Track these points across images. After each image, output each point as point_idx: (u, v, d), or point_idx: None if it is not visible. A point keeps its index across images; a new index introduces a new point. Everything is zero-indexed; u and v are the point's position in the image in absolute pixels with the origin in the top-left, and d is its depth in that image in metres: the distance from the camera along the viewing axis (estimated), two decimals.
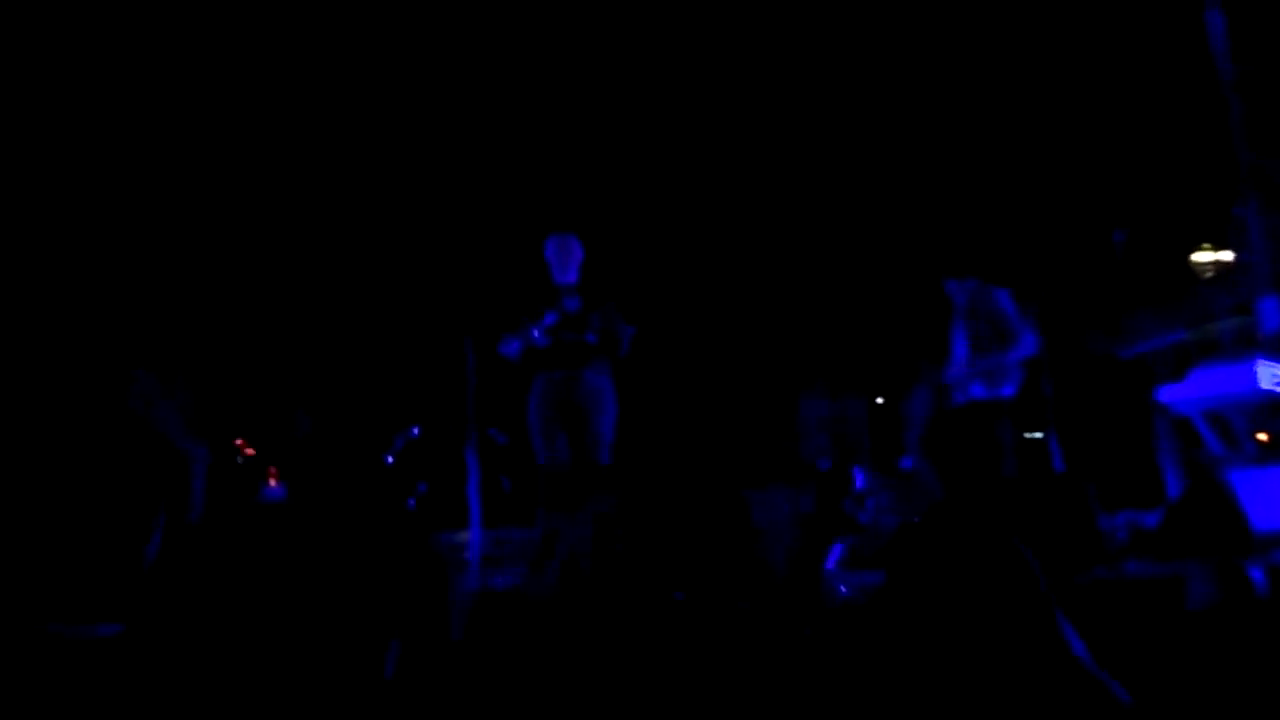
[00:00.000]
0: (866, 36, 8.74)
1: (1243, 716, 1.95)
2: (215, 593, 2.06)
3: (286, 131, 7.95)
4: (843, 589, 4.08)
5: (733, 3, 8.72)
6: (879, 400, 8.22)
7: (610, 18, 8.46)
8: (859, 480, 4.51)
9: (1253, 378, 5.34)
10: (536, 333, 4.86)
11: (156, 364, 4.00)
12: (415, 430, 7.04)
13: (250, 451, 6.97)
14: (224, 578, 2.13)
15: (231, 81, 7.71)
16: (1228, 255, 7.16)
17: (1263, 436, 5.74)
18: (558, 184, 8.29)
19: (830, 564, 4.40)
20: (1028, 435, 6.54)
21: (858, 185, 9.25)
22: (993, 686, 1.64)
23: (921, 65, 8.82)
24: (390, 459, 7.04)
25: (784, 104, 9.04)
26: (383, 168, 8.25)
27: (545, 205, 7.68)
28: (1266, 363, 5.46)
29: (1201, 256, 7.34)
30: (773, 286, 9.09)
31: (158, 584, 1.84)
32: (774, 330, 8.79)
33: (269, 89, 7.86)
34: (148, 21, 7.20)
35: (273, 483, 6.90)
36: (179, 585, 2.05)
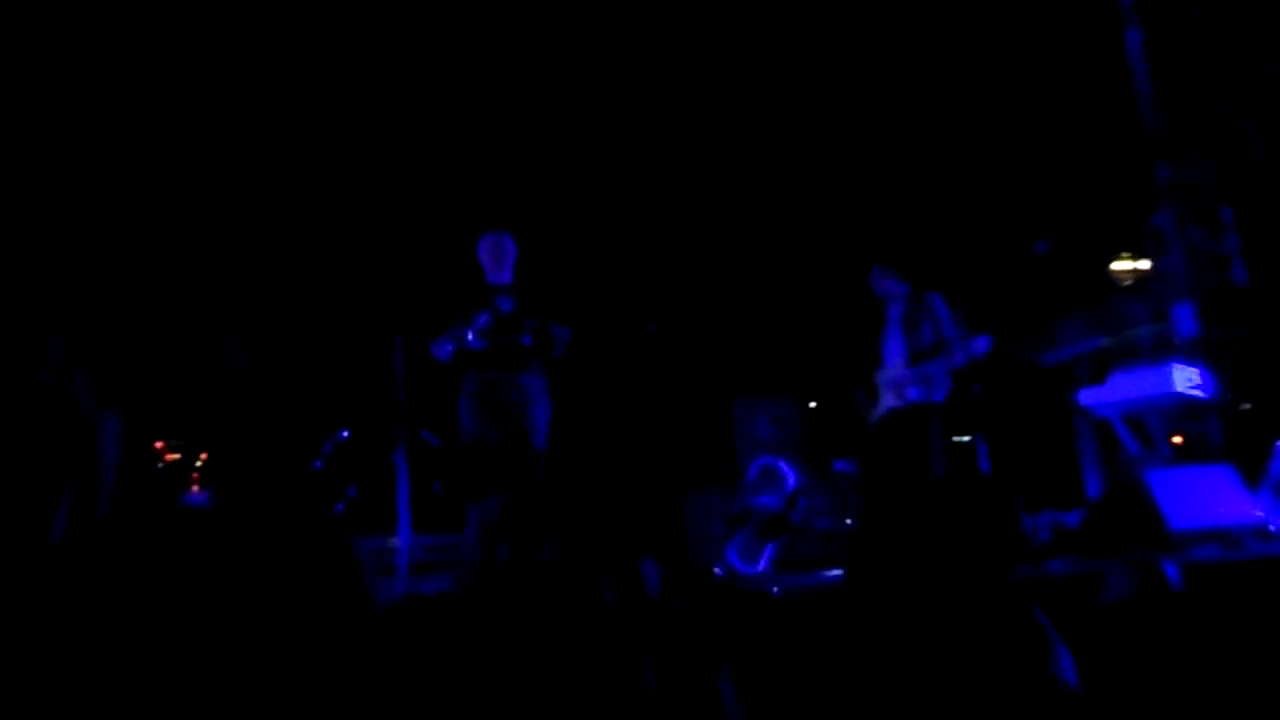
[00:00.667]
0: (790, 38, 8.85)
1: (1156, 703, 2.00)
2: (124, 595, 1.98)
3: (216, 118, 7.74)
4: (774, 590, 4.11)
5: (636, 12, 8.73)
6: (811, 404, 8.30)
7: (542, 12, 8.41)
8: (790, 480, 4.55)
9: (1168, 381, 5.51)
10: (470, 334, 4.77)
11: (71, 331, 3.84)
12: (344, 433, 6.91)
13: (171, 457, 6.75)
14: (135, 580, 2.05)
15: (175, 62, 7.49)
16: (1145, 264, 7.38)
17: (1178, 439, 5.94)
18: (489, 181, 8.21)
19: (762, 565, 4.42)
20: (956, 439, 6.67)
21: (786, 189, 9.34)
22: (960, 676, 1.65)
23: (844, 71, 8.95)
24: (319, 464, 6.90)
25: (708, 106, 9.09)
26: (312, 163, 8.08)
27: (476, 202, 7.59)
28: (1181, 367, 5.64)
29: (1120, 265, 7.55)
30: (705, 290, 9.13)
31: (66, 568, 1.76)
32: (707, 334, 8.83)
33: (201, 74, 7.66)
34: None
35: (195, 489, 6.70)
36: (87, 580, 1.97)
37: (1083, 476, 6.69)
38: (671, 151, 9.12)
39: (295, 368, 7.86)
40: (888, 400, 5.38)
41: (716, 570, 4.31)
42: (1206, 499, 4.11)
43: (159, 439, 6.60)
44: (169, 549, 2.24)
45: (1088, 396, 6.05)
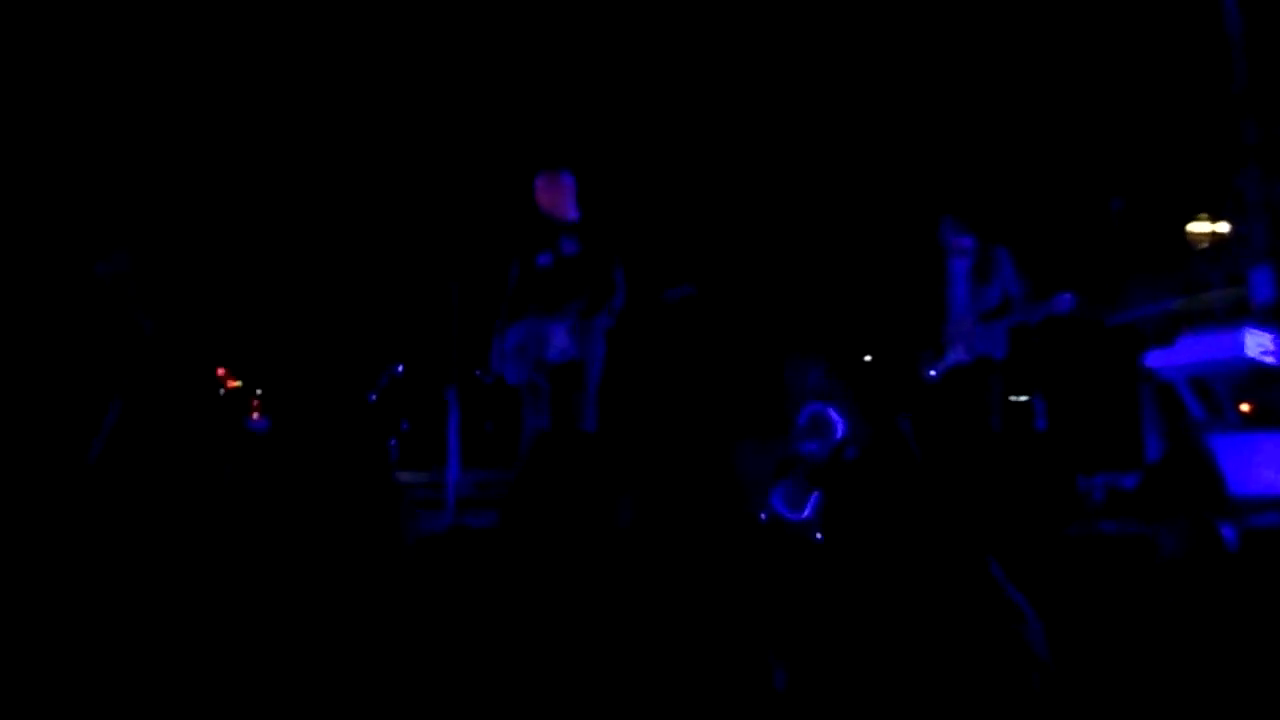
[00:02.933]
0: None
1: (1208, 663, 1.95)
2: (191, 519, 2.04)
3: (271, 76, 7.83)
4: (818, 536, 4.09)
5: None
6: (867, 358, 8.21)
7: None
8: (839, 429, 4.50)
9: (1240, 345, 5.33)
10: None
11: (138, 247, 3.90)
12: (399, 368, 7.00)
13: (232, 384, 6.92)
14: (201, 505, 2.11)
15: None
16: (1224, 226, 7.12)
17: (1245, 406, 5.75)
18: (544, 126, 8.16)
19: (807, 512, 4.40)
20: (1014, 397, 6.54)
21: (849, 149, 9.15)
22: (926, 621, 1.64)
23: (919, 30, 8.69)
24: (374, 396, 7.00)
25: (772, 58, 8.92)
26: (368, 110, 8.14)
27: (529, 152, 7.58)
28: (1255, 331, 5.44)
29: (1197, 226, 7.28)
30: (762, 246, 9.03)
31: (102, 488, 1.82)
32: (763, 289, 8.75)
33: (248, 31, 7.74)
34: None
35: (255, 415, 6.87)
36: (157, 499, 2.03)
37: (1143, 440, 6.53)
38: (730, 103, 8.98)
39: (355, 303, 7.98)
40: (954, 355, 5.28)
41: (761, 516, 4.30)
42: (1271, 467, 3.98)
43: (221, 365, 6.76)
44: (227, 469, 2.29)
45: (1154, 358, 5.87)
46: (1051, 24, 8.48)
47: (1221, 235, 7.44)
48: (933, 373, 5.48)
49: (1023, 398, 6.45)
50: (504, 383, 5.02)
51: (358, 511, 2.37)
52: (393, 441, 7.03)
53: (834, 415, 4.59)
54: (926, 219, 5.73)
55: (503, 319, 4.71)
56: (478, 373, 7.01)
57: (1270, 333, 5.62)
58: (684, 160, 8.87)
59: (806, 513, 4.50)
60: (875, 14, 8.68)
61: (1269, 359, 5.45)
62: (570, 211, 4.64)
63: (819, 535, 4.11)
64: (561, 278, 4.55)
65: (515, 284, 4.69)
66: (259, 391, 7.17)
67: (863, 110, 8.99)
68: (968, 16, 8.58)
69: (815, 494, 4.55)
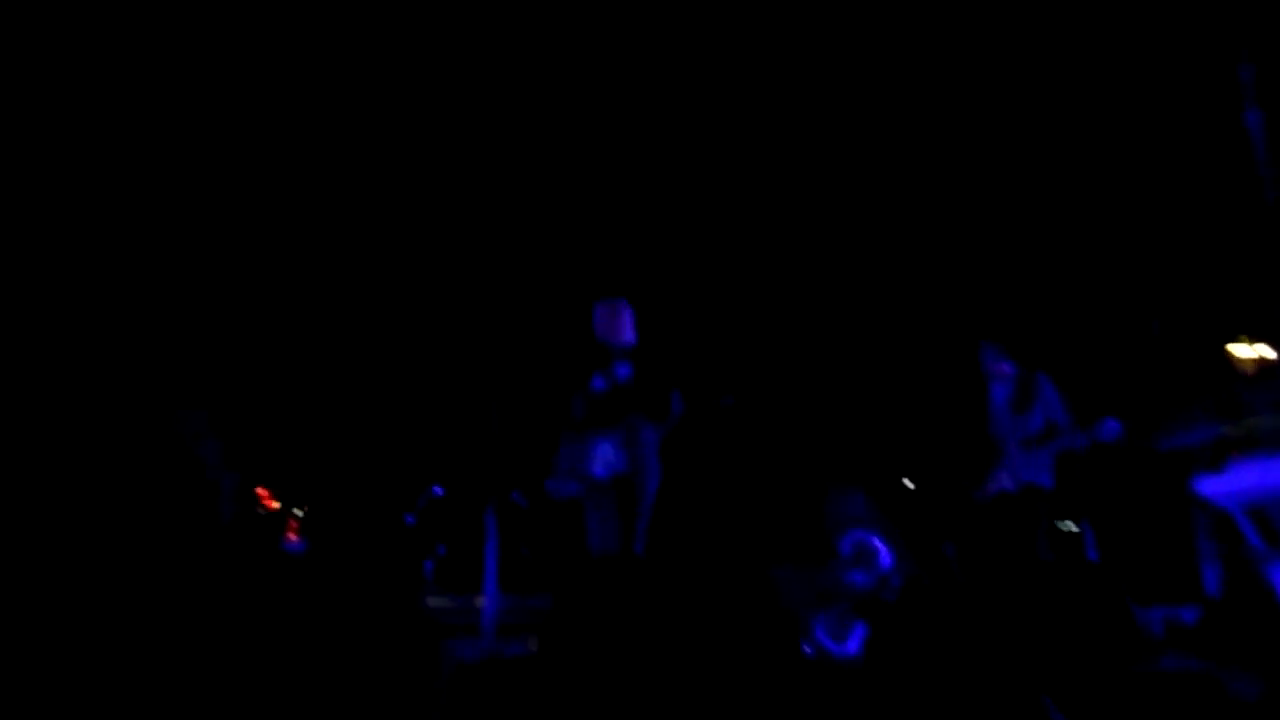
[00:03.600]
0: (886, 118, 8.84)
1: None
2: (223, 634, 2.03)
3: (325, 192, 8.10)
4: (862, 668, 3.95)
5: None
6: (908, 483, 8.09)
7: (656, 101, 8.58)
8: (884, 558, 4.40)
9: None
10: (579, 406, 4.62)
11: (201, 405, 4.06)
12: (438, 490, 7.01)
13: (273, 505, 6.95)
14: (234, 621, 2.10)
15: (276, 142, 7.89)
16: (1266, 349, 7.04)
17: None
18: (583, 253, 8.32)
19: (852, 644, 4.27)
20: (1061, 525, 6.39)
21: (892, 273, 9.24)
22: None
23: (963, 148, 8.88)
24: (411, 519, 7.00)
25: (807, 186, 9.11)
26: (413, 230, 8.36)
27: (573, 277, 7.71)
28: None
29: (1240, 349, 7.21)
30: (802, 371, 9.04)
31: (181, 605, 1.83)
32: (806, 410, 8.72)
33: (313, 141, 8.04)
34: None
35: (293, 537, 6.86)
36: (195, 614, 2.03)
37: (1199, 570, 6.31)
38: (772, 229, 9.16)
39: (395, 425, 8.05)
40: (1000, 483, 5.20)
41: (805, 648, 4.18)
42: None
43: (262, 486, 6.81)
44: (262, 588, 2.29)
45: (1208, 485, 5.72)
46: (1090, 151, 8.64)
47: (1267, 359, 7.37)
48: (978, 498, 5.39)
49: (1071, 527, 6.30)
50: (543, 507, 5.04)
51: (391, 640, 2.35)
52: (429, 564, 6.98)
53: (879, 544, 4.52)
54: (967, 344, 5.74)
55: (565, 442, 4.76)
56: (515, 496, 7.01)
57: None
58: (726, 288, 8.99)
59: (851, 645, 4.37)
60: (915, 142, 8.89)
61: None
62: (626, 337, 4.73)
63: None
64: (614, 400, 4.61)
65: (579, 411, 4.75)
66: (298, 513, 7.18)
67: (903, 234, 9.12)
68: (1012, 145, 8.77)
69: (860, 626, 4.44)
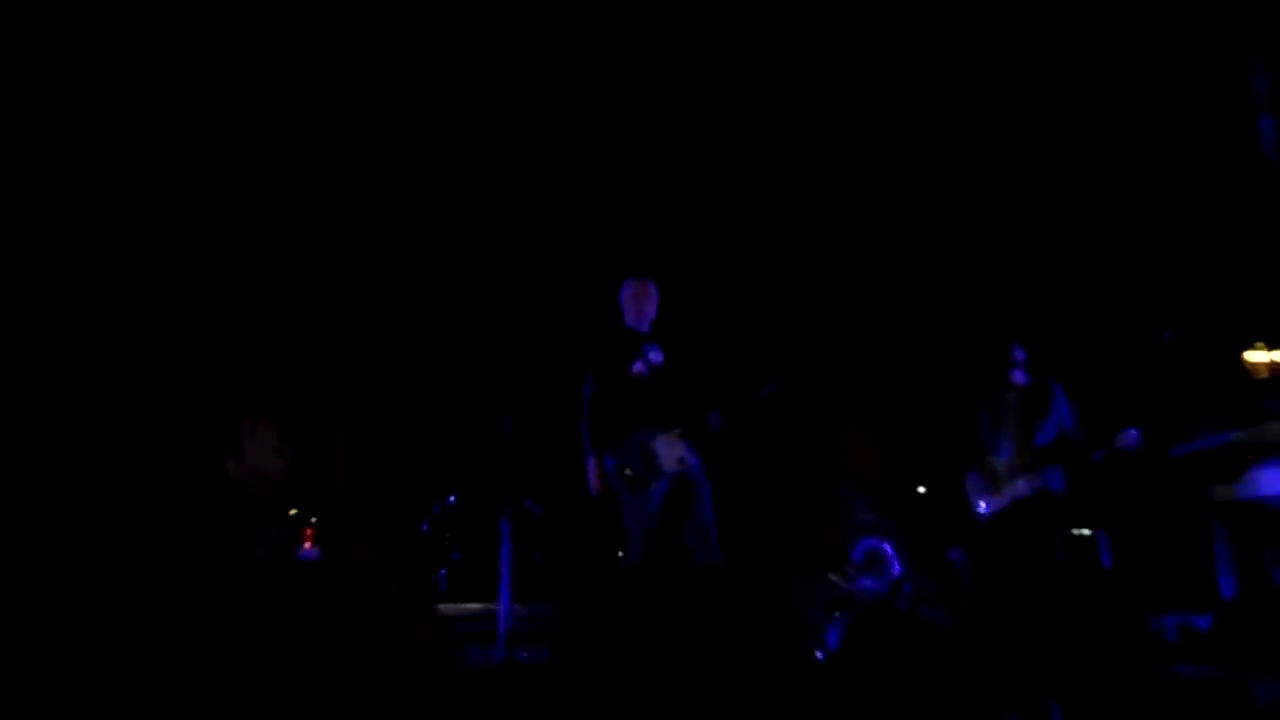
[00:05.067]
0: (891, 127, 8.84)
1: None
2: (238, 641, 2.05)
3: (326, 193, 8.12)
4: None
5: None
6: (920, 489, 8.07)
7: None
8: (895, 567, 4.41)
9: None
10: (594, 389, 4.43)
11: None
12: (451, 498, 7.03)
13: (290, 513, 6.97)
14: (249, 629, 2.12)
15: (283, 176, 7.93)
16: None
17: None
18: (594, 251, 8.29)
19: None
20: (1076, 531, 6.37)
21: (905, 282, 9.23)
22: None
23: (976, 155, 8.87)
24: (425, 526, 7.02)
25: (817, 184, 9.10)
26: (426, 241, 8.38)
27: (584, 268, 7.67)
28: None
29: (1255, 355, 7.17)
30: (812, 370, 9.03)
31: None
32: (810, 413, 8.70)
33: (315, 172, 8.07)
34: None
35: (308, 545, 6.89)
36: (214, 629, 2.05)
37: (1215, 577, 6.28)
38: (761, 232, 9.14)
39: (410, 432, 8.08)
40: (1015, 490, 5.21)
41: (818, 655, 4.19)
42: None
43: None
44: (278, 598, 2.32)
45: (1221, 492, 5.71)
46: (1103, 159, 8.63)
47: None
48: (984, 508, 5.39)
49: (1085, 532, 6.28)
50: (557, 514, 5.02)
51: (405, 647, 2.37)
52: (442, 573, 7.01)
53: (890, 551, 4.52)
54: (980, 352, 5.74)
55: (596, 436, 4.52)
56: (529, 504, 7.03)
57: None
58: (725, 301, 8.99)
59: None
60: (929, 146, 8.90)
61: None
62: (652, 318, 4.58)
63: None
64: (660, 387, 4.43)
65: (597, 398, 4.53)
66: (313, 520, 7.21)
67: (917, 238, 9.11)
68: (1024, 151, 8.76)
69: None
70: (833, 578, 4.59)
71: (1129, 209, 8.65)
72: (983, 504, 5.34)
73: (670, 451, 4.30)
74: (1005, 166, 8.86)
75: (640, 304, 4.61)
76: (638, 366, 4.47)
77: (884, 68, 8.53)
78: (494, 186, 8.41)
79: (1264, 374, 7.08)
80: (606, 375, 4.51)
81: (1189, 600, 5.62)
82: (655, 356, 4.46)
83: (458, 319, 8.07)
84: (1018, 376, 5.47)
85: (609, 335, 4.59)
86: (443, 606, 6.24)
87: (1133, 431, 4.88)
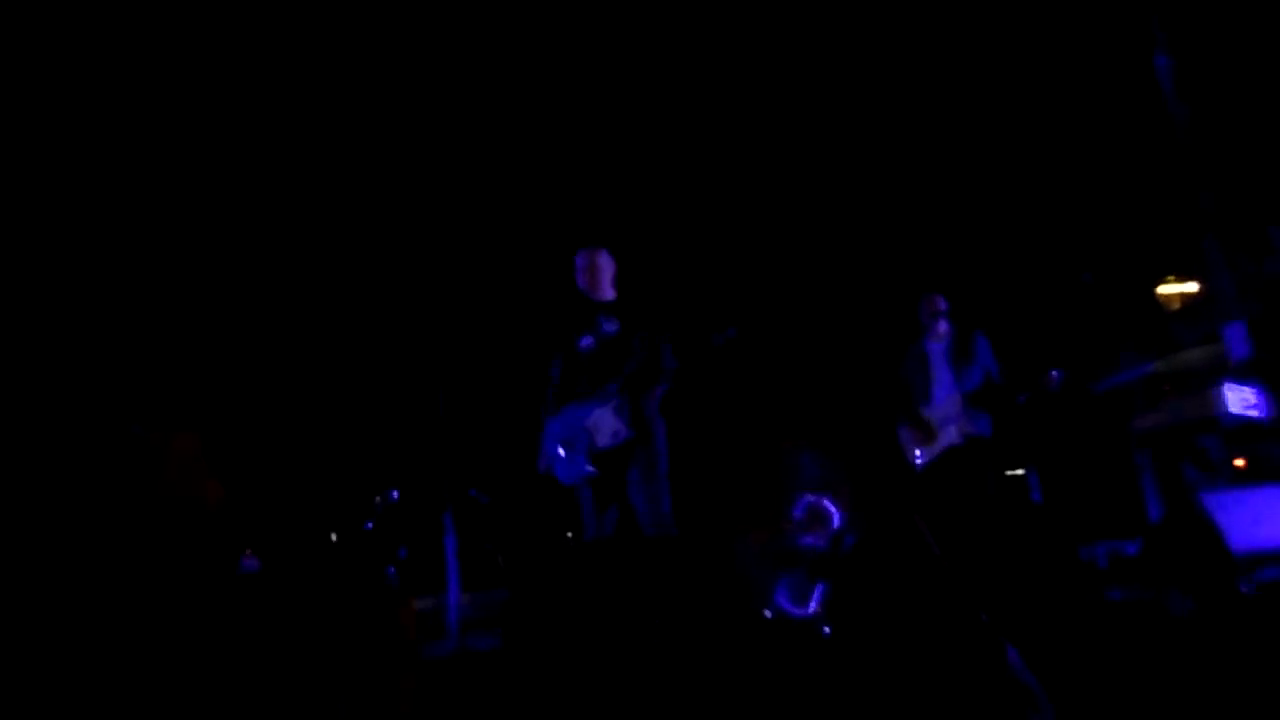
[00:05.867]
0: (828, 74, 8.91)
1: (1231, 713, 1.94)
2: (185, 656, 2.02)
3: (257, 194, 7.95)
4: (826, 630, 4.03)
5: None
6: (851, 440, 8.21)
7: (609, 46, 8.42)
8: (836, 519, 4.47)
9: (1223, 403, 5.38)
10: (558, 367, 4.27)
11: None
12: (394, 494, 6.95)
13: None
14: (194, 646, 2.09)
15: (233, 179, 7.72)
16: (1192, 286, 7.27)
17: (1239, 461, 5.76)
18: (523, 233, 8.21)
19: (813, 606, 4.34)
20: (1009, 473, 6.54)
21: (826, 237, 9.33)
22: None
23: (897, 114, 8.99)
24: (370, 525, 6.94)
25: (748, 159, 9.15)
26: (347, 227, 8.22)
27: (517, 248, 7.59)
28: (1235, 387, 5.50)
29: (1168, 288, 7.43)
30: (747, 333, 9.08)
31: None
32: (760, 379, 8.77)
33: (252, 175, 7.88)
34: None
35: (247, 556, 6.77)
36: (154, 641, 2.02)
37: (1144, 504, 6.52)
38: (692, 194, 9.15)
39: (343, 433, 7.96)
40: (946, 438, 5.31)
41: (765, 613, 4.24)
42: (1269, 521, 3.97)
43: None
44: (221, 612, 2.28)
45: (1142, 422, 5.91)
46: (1011, 104, 8.79)
47: (1191, 295, 7.59)
48: (919, 457, 5.49)
49: (1018, 472, 6.46)
50: (503, 501, 4.99)
51: (361, 644, 2.35)
52: (391, 570, 6.94)
53: (829, 505, 4.58)
54: (902, 301, 5.84)
55: (548, 414, 4.43)
56: (473, 492, 6.98)
57: (1251, 387, 5.67)
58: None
59: (812, 607, 4.45)
60: (845, 108, 8.98)
61: (1253, 413, 5.50)
62: (608, 290, 4.42)
63: (826, 629, 4.05)
64: (605, 358, 4.27)
65: (559, 375, 4.43)
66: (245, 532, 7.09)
67: (839, 197, 9.20)
68: (941, 113, 8.89)
69: (819, 587, 4.51)
70: (775, 535, 4.64)
71: (1038, 155, 8.85)
72: (918, 454, 5.44)
73: (606, 425, 4.23)
74: (921, 119, 8.99)
75: (593, 275, 4.40)
76: (584, 341, 4.36)
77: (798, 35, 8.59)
78: (426, 157, 8.24)
79: (1176, 305, 7.34)
80: (559, 350, 4.41)
81: (1120, 529, 5.82)
82: (608, 328, 4.32)
83: (381, 306, 7.94)
84: (940, 326, 5.57)
85: (564, 309, 4.47)
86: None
87: (1055, 373, 5.01)
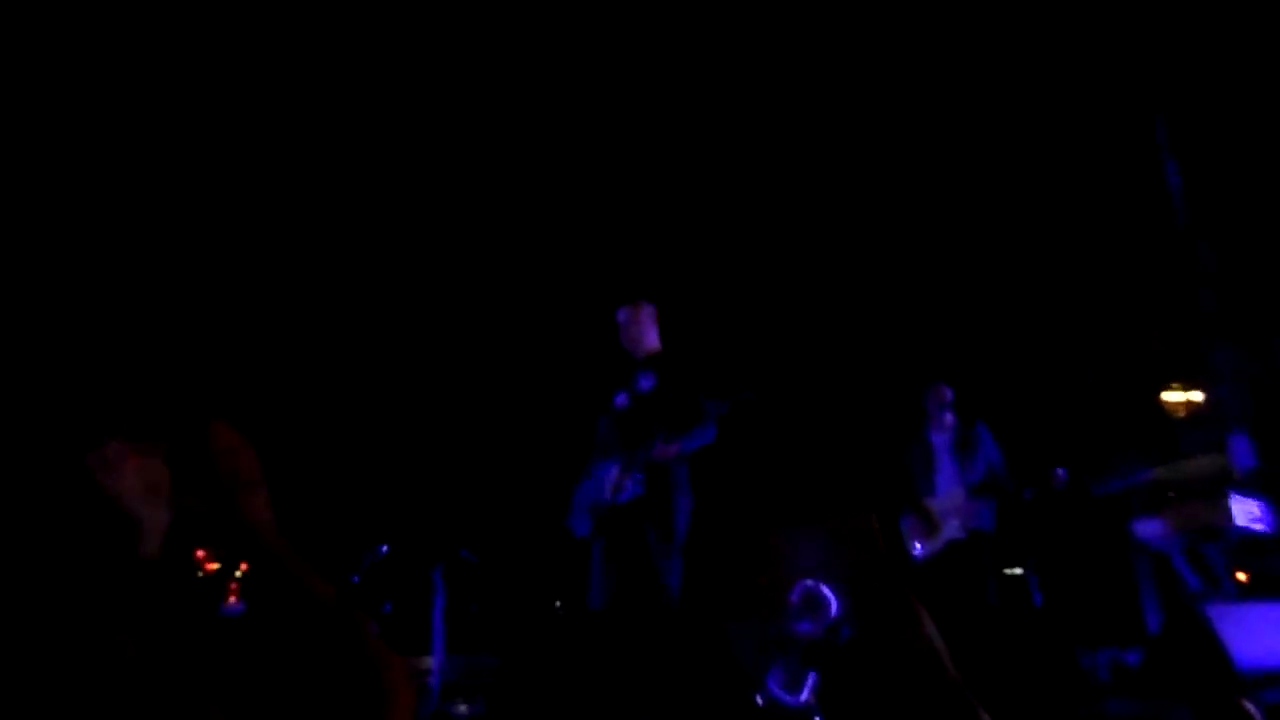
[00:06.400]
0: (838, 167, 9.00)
1: None
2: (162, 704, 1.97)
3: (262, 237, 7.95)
4: (818, 719, 3.94)
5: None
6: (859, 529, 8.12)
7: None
8: (833, 606, 4.41)
9: (1227, 514, 5.34)
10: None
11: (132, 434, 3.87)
12: (384, 549, 6.86)
13: (211, 567, 6.74)
14: (175, 691, 2.04)
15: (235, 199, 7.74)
16: (1197, 395, 7.26)
17: (1241, 575, 5.69)
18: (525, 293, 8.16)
19: (805, 695, 4.25)
20: (1008, 571, 6.46)
21: (835, 325, 9.34)
22: None
23: (905, 203, 9.08)
24: (356, 578, 6.84)
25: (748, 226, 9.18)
26: (356, 286, 8.21)
27: (522, 315, 7.54)
28: (1240, 499, 5.47)
29: (1172, 395, 7.42)
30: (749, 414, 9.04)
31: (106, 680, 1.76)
32: (748, 459, 8.71)
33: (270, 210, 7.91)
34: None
35: (233, 600, 6.66)
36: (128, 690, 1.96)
37: (1143, 612, 6.43)
38: (712, 272, 9.19)
39: (337, 481, 7.89)
40: (949, 531, 5.28)
41: (758, 700, 4.15)
42: (1273, 637, 3.91)
43: (200, 548, 6.60)
44: (203, 655, 2.23)
45: (1145, 529, 5.86)
46: (1024, 209, 8.89)
47: (1196, 404, 7.58)
48: (919, 550, 5.44)
49: (1017, 571, 6.38)
50: (494, 563, 4.92)
51: (336, 701, 2.29)
52: (374, 626, 6.81)
53: (827, 592, 4.51)
54: (907, 389, 5.84)
55: (585, 474, 4.31)
56: (464, 553, 6.89)
57: (1256, 500, 5.65)
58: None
59: (805, 695, 4.35)
60: (856, 196, 9.07)
61: (1258, 526, 5.46)
62: (649, 344, 4.29)
63: (819, 719, 3.96)
64: (638, 417, 4.14)
65: (603, 435, 4.30)
66: (238, 575, 6.98)
67: (851, 285, 9.23)
68: (948, 205, 8.99)
69: (812, 675, 4.41)
70: (770, 622, 4.56)
71: (1048, 253, 8.92)
72: (918, 546, 5.39)
73: (609, 479, 4.14)
74: (931, 212, 9.09)
75: (633, 331, 4.32)
76: (619, 399, 4.27)
77: (809, 122, 8.72)
78: (432, 206, 8.26)
79: (1181, 413, 7.32)
80: (598, 408, 4.32)
81: (1120, 636, 5.73)
82: (644, 384, 4.23)
83: (389, 366, 7.93)
84: (945, 417, 5.58)
85: (604, 367, 4.37)
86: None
87: (1060, 471, 5.02)
